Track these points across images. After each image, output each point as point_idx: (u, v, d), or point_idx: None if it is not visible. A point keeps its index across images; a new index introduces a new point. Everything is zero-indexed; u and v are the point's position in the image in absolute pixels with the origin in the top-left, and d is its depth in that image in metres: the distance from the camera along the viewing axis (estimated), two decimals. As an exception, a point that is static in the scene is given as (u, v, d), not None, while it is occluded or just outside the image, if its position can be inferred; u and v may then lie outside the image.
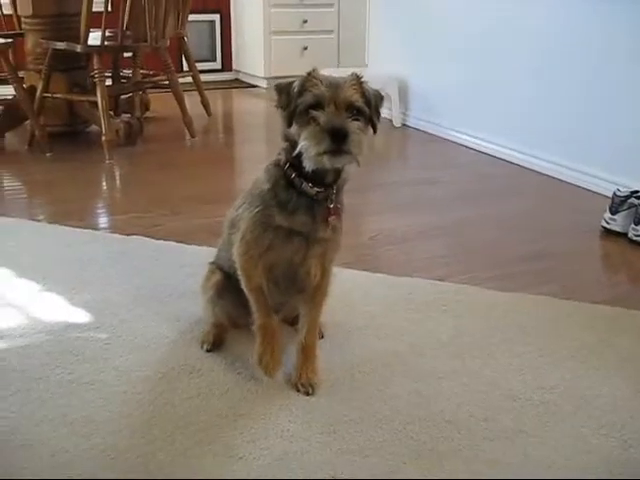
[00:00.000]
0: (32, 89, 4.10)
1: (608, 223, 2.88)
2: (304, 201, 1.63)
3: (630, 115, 3.23)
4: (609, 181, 3.28)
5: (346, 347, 1.99)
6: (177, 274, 2.42)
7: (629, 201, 2.83)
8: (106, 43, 3.94)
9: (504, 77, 3.99)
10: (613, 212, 2.86)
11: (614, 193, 2.89)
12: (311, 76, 1.55)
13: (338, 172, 1.64)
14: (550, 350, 1.99)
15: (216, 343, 1.95)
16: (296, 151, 1.55)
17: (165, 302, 2.22)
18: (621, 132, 3.29)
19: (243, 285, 1.75)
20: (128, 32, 4.15)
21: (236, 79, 6.55)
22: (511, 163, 3.91)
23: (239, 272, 1.74)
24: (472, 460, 1.54)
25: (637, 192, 2.86)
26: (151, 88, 4.93)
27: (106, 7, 3.84)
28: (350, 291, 2.30)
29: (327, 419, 1.67)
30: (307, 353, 1.79)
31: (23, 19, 4.24)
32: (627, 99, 3.24)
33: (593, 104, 3.42)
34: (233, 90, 6.17)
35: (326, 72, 1.60)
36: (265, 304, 1.76)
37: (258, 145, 4.43)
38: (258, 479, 1.47)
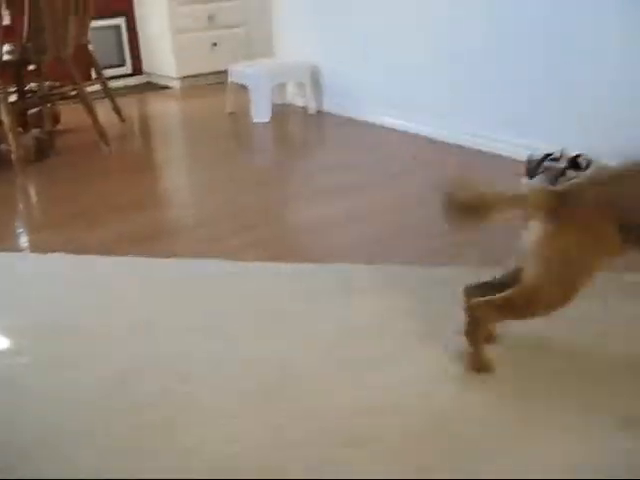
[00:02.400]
0: None
1: (527, 188, 2.92)
2: None
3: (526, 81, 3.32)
4: (520, 145, 3.35)
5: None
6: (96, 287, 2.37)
7: (544, 164, 2.86)
8: (6, 58, 3.82)
9: (417, 57, 4.02)
10: (531, 177, 2.90)
11: (528, 158, 2.93)
12: None
13: None
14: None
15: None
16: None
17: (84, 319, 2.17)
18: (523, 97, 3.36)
19: None
20: (29, 44, 4.04)
21: (148, 82, 6.44)
22: (429, 139, 3.94)
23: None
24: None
25: (550, 155, 2.90)
26: (60, 100, 4.80)
27: (0, 21, 3.72)
28: (272, 284, 2.28)
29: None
30: None
31: None
32: (524, 64, 3.31)
33: (487, 69, 3.48)
34: (146, 93, 6.07)
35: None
36: None
37: (175, 147, 4.36)
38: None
